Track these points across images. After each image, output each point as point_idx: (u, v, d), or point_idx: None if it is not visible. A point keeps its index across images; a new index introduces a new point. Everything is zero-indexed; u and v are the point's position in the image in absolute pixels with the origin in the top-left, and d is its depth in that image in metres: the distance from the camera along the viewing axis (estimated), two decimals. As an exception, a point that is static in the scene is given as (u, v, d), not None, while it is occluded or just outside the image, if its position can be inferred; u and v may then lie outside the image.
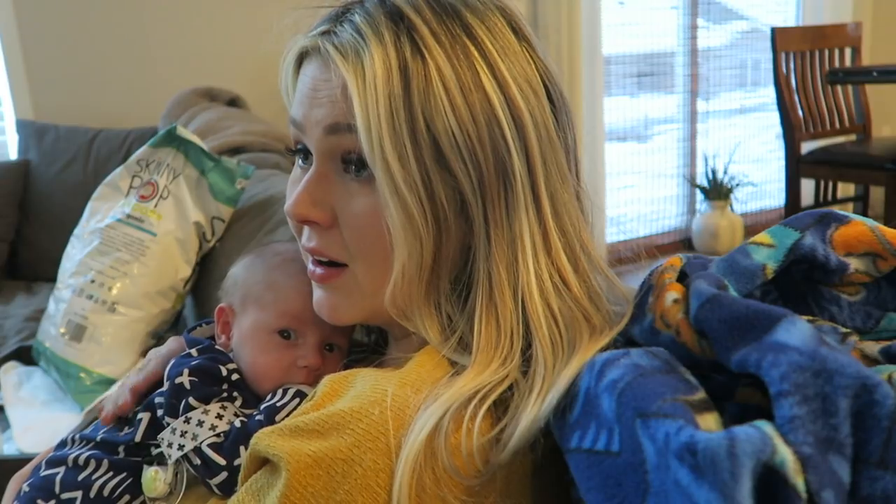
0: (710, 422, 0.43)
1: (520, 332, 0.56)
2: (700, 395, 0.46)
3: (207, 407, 0.64)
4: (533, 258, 0.57)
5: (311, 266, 0.63)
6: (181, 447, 0.63)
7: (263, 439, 0.52)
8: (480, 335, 0.56)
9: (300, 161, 0.64)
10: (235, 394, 0.67)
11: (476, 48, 0.56)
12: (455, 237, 0.58)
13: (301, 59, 0.63)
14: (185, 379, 0.65)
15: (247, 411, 0.66)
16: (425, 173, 0.55)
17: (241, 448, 0.61)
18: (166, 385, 0.66)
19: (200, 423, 0.63)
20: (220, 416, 0.64)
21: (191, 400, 0.64)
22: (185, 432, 0.63)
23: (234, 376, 0.68)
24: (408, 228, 0.56)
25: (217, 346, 0.71)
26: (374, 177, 0.56)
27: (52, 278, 1.65)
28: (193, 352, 0.69)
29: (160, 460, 0.65)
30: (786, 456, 0.39)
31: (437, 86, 0.55)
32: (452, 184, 0.56)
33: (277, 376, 0.68)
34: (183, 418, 0.64)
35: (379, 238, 0.57)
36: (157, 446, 0.65)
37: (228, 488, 0.61)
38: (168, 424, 0.64)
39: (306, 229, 0.63)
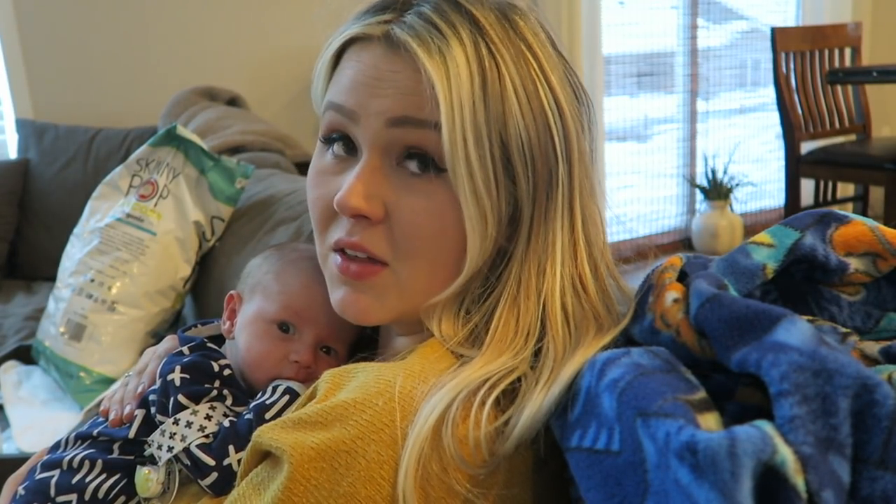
0: (710, 421, 0.43)
1: (536, 330, 0.56)
2: (700, 394, 0.46)
3: (196, 407, 0.64)
4: (560, 265, 0.58)
5: (340, 261, 0.59)
6: (170, 449, 0.63)
7: (266, 433, 0.52)
8: (497, 330, 0.56)
9: (336, 150, 0.61)
10: (226, 391, 0.67)
11: (532, 57, 0.57)
12: (500, 239, 0.58)
13: (344, 46, 0.60)
14: (176, 376, 0.66)
15: (237, 409, 0.66)
16: (496, 176, 0.56)
17: (230, 447, 0.62)
18: (158, 382, 0.67)
19: (189, 425, 0.63)
20: (208, 417, 0.64)
21: (180, 397, 0.65)
22: (174, 434, 0.63)
23: (226, 372, 0.68)
24: (483, 230, 0.56)
25: (209, 344, 0.71)
26: (439, 176, 0.56)
27: (51, 277, 1.65)
28: (185, 349, 0.70)
29: (152, 460, 0.65)
30: (786, 456, 0.39)
31: (510, 91, 0.55)
32: (511, 189, 0.57)
33: (268, 366, 0.69)
34: (172, 420, 0.64)
35: (434, 238, 0.57)
36: (150, 445, 0.65)
37: (219, 488, 0.61)
38: (160, 423, 0.65)
39: (345, 223, 0.59)
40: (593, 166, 0.62)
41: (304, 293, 0.68)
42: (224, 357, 0.70)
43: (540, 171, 0.57)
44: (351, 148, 0.60)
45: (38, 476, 0.68)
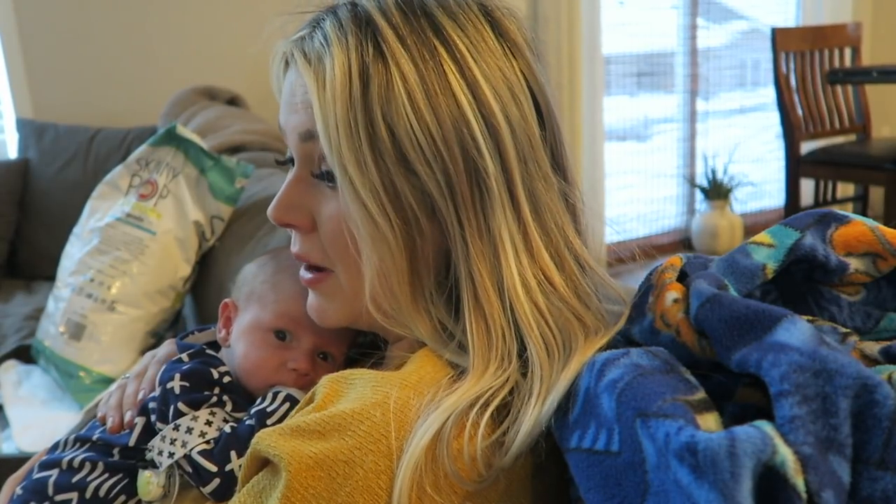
0: (710, 422, 0.43)
1: (511, 332, 0.55)
2: (700, 394, 0.46)
3: (197, 413, 0.64)
4: (514, 258, 0.56)
5: (302, 270, 0.65)
6: (171, 455, 0.63)
7: (265, 439, 0.52)
8: (473, 336, 0.56)
9: (291, 169, 0.64)
10: (225, 397, 0.67)
11: (445, 49, 0.56)
12: (431, 240, 0.58)
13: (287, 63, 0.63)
14: (175, 384, 0.66)
15: (237, 414, 0.66)
16: (388, 178, 0.55)
17: (232, 453, 0.62)
18: (158, 390, 0.67)
19: (189, 431, 0.63)
20: (209, 423, 0.64)
21: (179, 405, 0.64)
22: (175, 440, 0.63)
23: (226, 379, 0.68)
24: (374, 234, 0.56)
25: (208, 351, 0.71)
26: None
27: (51, 277, 1.65)
28: (184, 357, 0.69)
29: (154, 464, 0.65)
30: (786, 456, 0.39)
31: (398, 89, 0.55)
32: (420, 186, 0.56)
33: (266, 374, 0.68)
34: (172, 425, 0.64)
35: (351, 244, 0.58)
36: (150, 451, 0.65)
37: (221, 494, 0.61)
38: (160, 430, 0.64)
39: (293, 234, 0.64)
40: (548, 155, 0.60)
41: (299, 301, 0.67)
42: (223, 364, 0.70)
43: (452, 165, 0.55)
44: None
45: (36, 475, 0.67)
